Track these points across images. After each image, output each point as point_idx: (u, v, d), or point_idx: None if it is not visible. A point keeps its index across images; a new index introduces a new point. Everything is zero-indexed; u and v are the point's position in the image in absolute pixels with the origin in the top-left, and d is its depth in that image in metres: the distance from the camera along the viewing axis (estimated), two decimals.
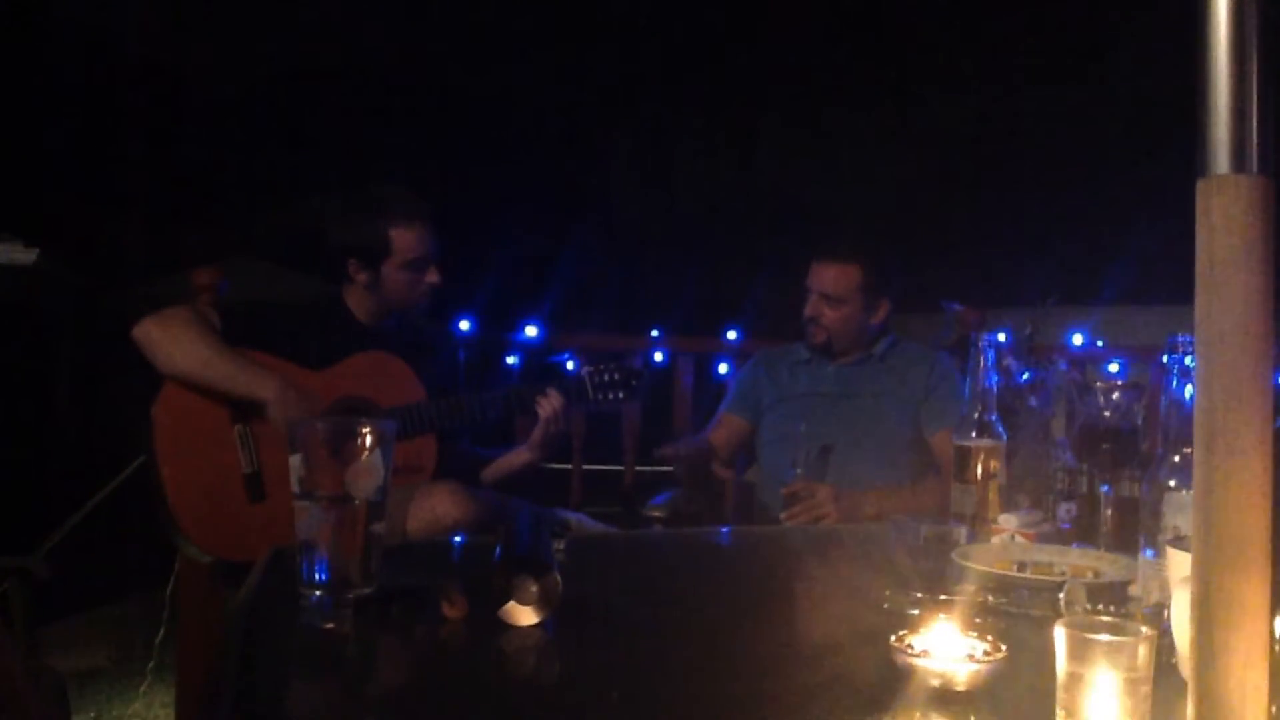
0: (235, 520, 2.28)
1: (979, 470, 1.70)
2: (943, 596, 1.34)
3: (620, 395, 2.58)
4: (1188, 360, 1.33)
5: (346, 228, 2.54)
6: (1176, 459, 1.31)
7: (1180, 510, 1.27)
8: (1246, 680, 0.67)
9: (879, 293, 2.78)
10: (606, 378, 2.57)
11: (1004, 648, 1.01)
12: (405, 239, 2.49)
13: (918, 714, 0.97)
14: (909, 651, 1.01)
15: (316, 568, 1.25)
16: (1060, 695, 0.86)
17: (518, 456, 2.61)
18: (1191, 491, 0.70)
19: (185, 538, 2.27)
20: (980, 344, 1.73)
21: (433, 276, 2.53)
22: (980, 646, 1.01)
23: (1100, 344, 3.34)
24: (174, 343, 2.29)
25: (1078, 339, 3.31)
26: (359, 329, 2.55)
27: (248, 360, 2.31)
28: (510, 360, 3.19)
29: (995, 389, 1.73)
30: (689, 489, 2.69)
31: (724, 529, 2.69)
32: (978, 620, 1.11)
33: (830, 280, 2.74)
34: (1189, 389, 1.32)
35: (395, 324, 2.60)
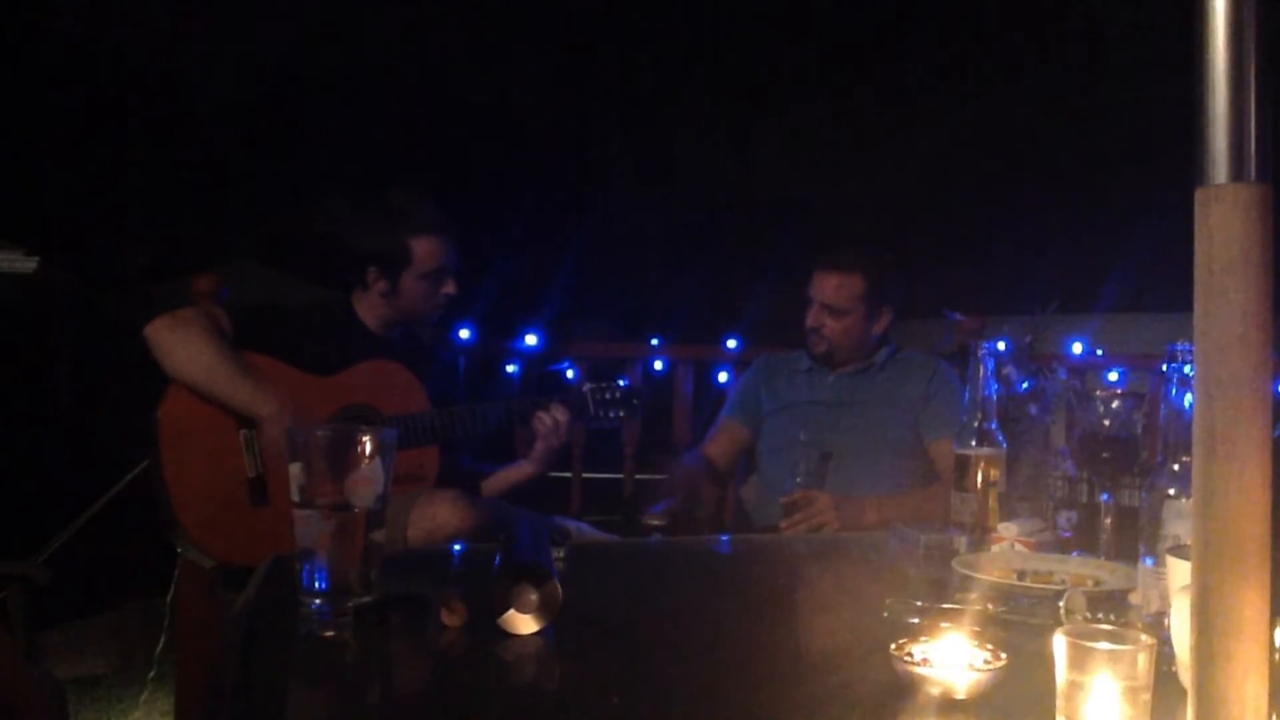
0: (238, 524, 2.28)
1: (979, 478, 1.70)
2: (943, 605, 1.34)
3: (621, 414, 2.59)
4: (1187, 368, 1.34)
5: (367, 235, 2.53)
6: (1176, 467, 1.31)
7: (1180, 518, 1.27)
8: (1246, 688, 0.67)
9: (881, 302, 2.77)
10: (608, 395, 2.58)
11: (1004, 656, 1.01)
12: (427, 249, 2.49)
13: None
14: (909, 660, 1.01)
15: (316, 575, 1.25)
16: (1060, 703, 0.86)
17: (519, 470, 2.61)
18: (1191, 499, 0.70)
19: (188, 541, 2.27)
20: (980, 352, 1.73)
21: (449, 288, 2.53)
22: (981, 655, 1.01)
23: (1100, 352, 3.34)
24: (183, 346, 2.29)
25: (1077, 347, 3.31)
26: (367, 336, 2.55)
27: (252, 373, 2.31)
28: (510, 368, 3.19)
29: (995, 397, 1.74)
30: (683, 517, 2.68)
31: (724, 537, 2.68)
32: (978, 629, 1.11)
33: (832, 290, 2.74)
34: (1188, 397, 1.32)
35: (402, 333, 2.60)
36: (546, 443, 2.51)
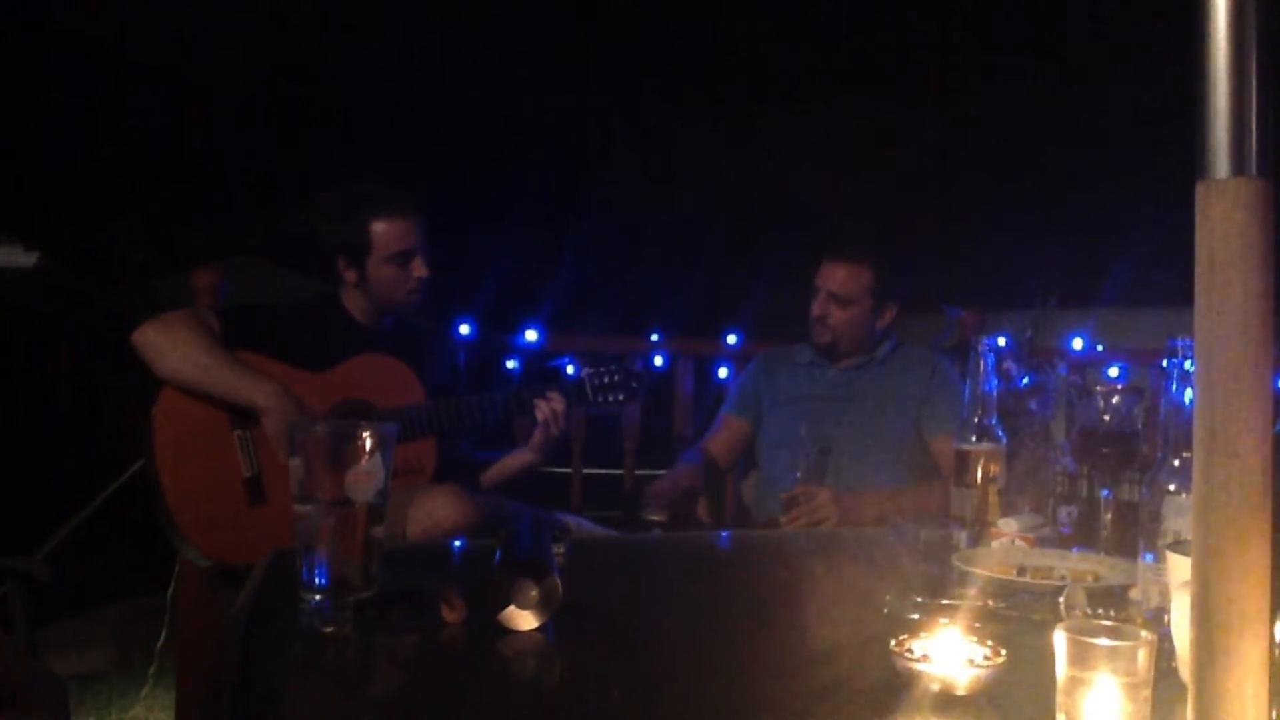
0: (235, 523, 2.28)
1: (979, 474, 1.70)
2: (943, 601, 1.34)
3: (620, 397, 2.57)
4: (1187, 364, 1.33)
5: (331, 225, 2.53)
6: (1176, 462, 1.31)
7: (1180, 514, 1.27)
8: (1247, 684, 0.67)
9: (887, 296, 2.78)
10: (606, 380, 2.56)
11: (1004, 652, 1.01)
12: (387, 232, 2.48)
13: (918, 719, 0.97)
14: (909, 656, 1.01)
15: (316, 571, 1.25)
16: (1060, 699, 0.86)
17: (517, 459, 2.61)
18: (1191, 495, 0.70)
19: (185, 541, 2.26)
20: (980, 348, 1.73)
21: (420, 270, 2.51)
22: (980, 651, 1.01)
23: (1100, 347, 3.34)
24: (173, 348, 2.29)
25: (1078, 342, 3.31)
26: (357, 330, 2.54)
27: (246, 367, 2.31)
28: (510, 364, 3.19)
29: (995, 393, 1.73)
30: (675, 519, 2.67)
31: (724, 533, 2.69)
32: (978, 624, 1.11)
33: (840, 280, 2.74)
34: (1189, 392, 1.32)
35: (393, 324, 2.59)
36: (545, 431, 2.50)
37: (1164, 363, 1.38)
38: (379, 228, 2.47)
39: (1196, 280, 0.69)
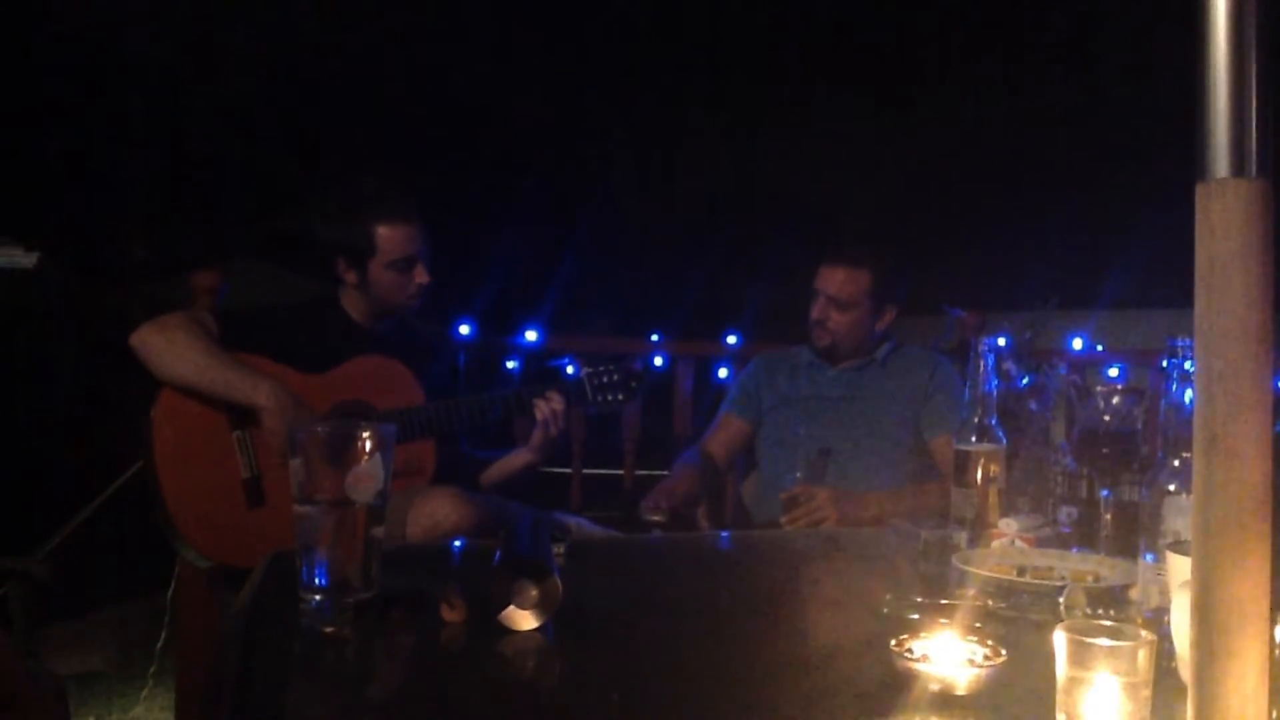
0: (234, 525, 2.28)
1: (979, 474, 1.70)
2: (943, 601, 1.34)
3: (620, 397, 2.57)
4: (1187, 364, 1.33)
5: (333, 226, 2.53)
6: (1176, 463, 1.31)
7: (1180, 514, 1.27)
8: (1246, 684, 0.67)
9: (887, 299, 2.78)
10: (606, 379, 2.56)
11: (1004, 652, 1.01)
12: (391, 237, 2.48)
13: (918, 719, 0.97)
14: (909, 656, 1.01)
15: (316, 571, 1.25)
16: (1060, 699, 0.86)
17: (517, 458, 2.61)
18: (1191, 495, 0.70)
19: (184, 542, 2.27)
20: (980, 348, 1.73)
21: (421, 276, 2.51)
22: (980, 651, 1.01)
23: (1100, 348, 3.34)
24: (171, 350, 2.29)
25: (1078, 343, 3.31)
26: (356, 331, 2.54)
27: (244, 367, 2.31)
28: (510, 364, 3.19)
29: (995, 393, 1.73)
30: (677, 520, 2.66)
31: (724, 533, 2.69)
32: (978, 625, 1.11)
33: (839, 283, 2.74)
34: (1189, 393, 1.32)
35: (392, 326, 2.59)
36: (544, 430, 2.50)
37: (1164, 363, 1.38)
38: (383, 232, 2.47)
39: (1196, 281, 0.69)
